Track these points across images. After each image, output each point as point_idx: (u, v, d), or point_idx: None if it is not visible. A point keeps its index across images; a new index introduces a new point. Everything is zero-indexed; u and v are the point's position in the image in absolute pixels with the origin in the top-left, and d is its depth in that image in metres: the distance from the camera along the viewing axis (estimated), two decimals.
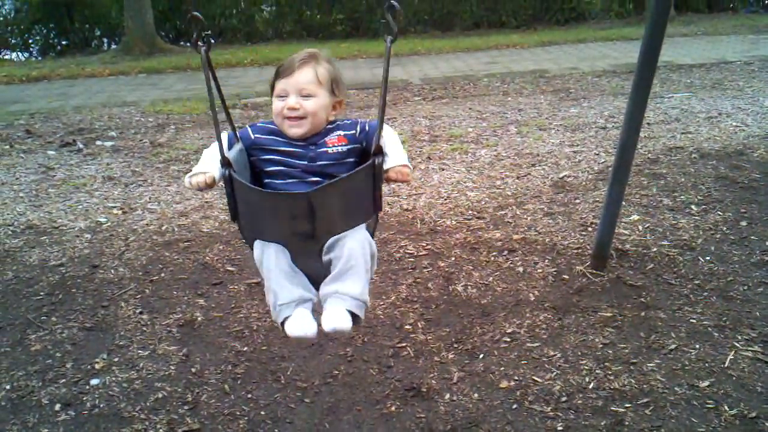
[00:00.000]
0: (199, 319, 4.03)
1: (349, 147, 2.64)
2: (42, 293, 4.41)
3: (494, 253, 4.61)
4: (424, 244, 4.80)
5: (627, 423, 2.99)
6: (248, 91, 10.94)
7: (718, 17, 18.44)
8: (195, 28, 2.43)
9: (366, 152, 2.56)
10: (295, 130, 2.62)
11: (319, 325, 2.41)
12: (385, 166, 2.50)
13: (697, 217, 4.99)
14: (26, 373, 3.59)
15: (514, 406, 3.15)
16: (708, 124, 7.55)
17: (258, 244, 2.56)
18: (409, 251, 4.72)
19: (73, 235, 5.33)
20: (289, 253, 2.52)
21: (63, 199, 6.19)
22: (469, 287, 4.21)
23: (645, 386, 3.22)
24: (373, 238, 2.61)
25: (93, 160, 7.51)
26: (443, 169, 6.49)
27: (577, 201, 5.45)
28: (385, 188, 5.90)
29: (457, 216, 5.29)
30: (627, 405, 3.10)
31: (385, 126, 2.53)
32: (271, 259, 2.49)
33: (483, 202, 5.55)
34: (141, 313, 4.12)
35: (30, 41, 18.57)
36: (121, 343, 3.83)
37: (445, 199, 5.67)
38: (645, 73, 3.66)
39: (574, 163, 6.45)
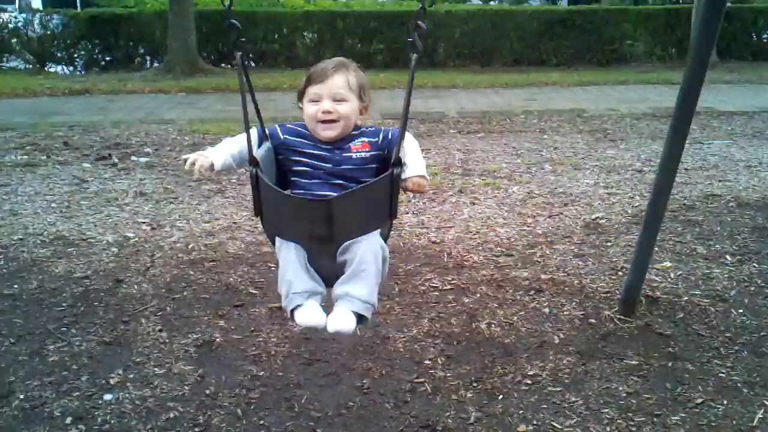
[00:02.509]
0: (218, 340, 3.99)
1: (372, 153, 2.78)
2: (64, 304, 4.41)
3: (521, 292, 4.53)
4: (450, 279, 4.73)
5: None
6: (285, 116, 10.96)
7: (762, 65, 18.21)
8: (232, 34, 2.58)
9: (387, 159, 2.66)
10: (329, 132, 2.76)
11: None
12: (404, 176, 2.62)
13: (731, 268, 4.87)
14: (41, 383, 3.57)
15: None
16: (747, 173, 7.42)
17: (279, 244, 2.68)
18: (434, 285, 4.65)
19: (100, 248, 5.35)
20: (306, 253, 2.63)
21: (94, 212, 6.23)
22: (493, 325, 4.13)
23: None
24: (386, 242, 2.73)
25: (127, 175, 7.57)
26: (474, 204, 6.43)
27: (609, 244, 5.35)
28: (414, 219, 5.92)
29: (485, 252, 5.22)
30: None
31: (406, 135, 2.64)
32: (291, 252, 2.62)
33: (512, 240, 5.48)
34: (160, 330, 4.10)
35: (75, 56, 18.86)
36: (138, 359, 3.80)
37: (474, 234, 5.61)
38: (682, 118, 3.59)
39: (607, 205, 6.35)
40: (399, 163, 2.55)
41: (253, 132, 2.72)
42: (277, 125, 2.85)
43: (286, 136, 2.82)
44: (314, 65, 2.89)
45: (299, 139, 2.81)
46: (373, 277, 2.59)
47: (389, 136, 2.79)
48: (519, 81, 15.51)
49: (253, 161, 2.60)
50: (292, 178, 2.77)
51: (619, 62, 19.34)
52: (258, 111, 2.74)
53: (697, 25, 3.47)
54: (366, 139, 2.81)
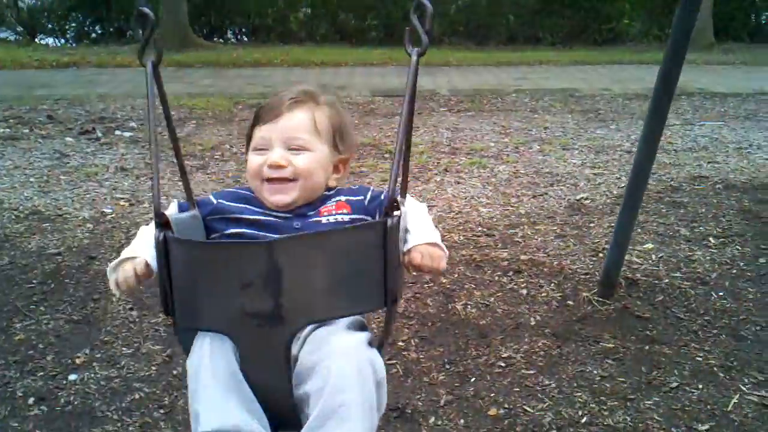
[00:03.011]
0: None
1: (352, 216, 1.95)
2: (35, 281, 4.33)
3: (499, 273, 4.46)
4: None
5: None
6: (272, 91, 10.88)
7: (759, 47, 18.12)
8: (138, 26, 1.80)
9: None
10: (279, 198, 1.94)
11: None
12: (407, 245, 1.77)
13: (714, 250, 4.80)
14: (6, 362, 3.50)
15: None
16: (737, 155, 7.35)
17: (195, 342, 1.75)
18: None
19: (75, 224, 5.27)
20: (238, 353, 1.68)
21: (72, 187, 6.15)
22: (469, 306, 4.07)
23: (640, 425, 3.05)
24: (381, 354, 1.78)
25: (109, 149, 7.48)
26: (459, 183, 6.35)
27: (592, 225, 5.29)
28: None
29: (466, 231, 5.15)
30: None
31: (409, 199, 1.88)
32: (204, 356, 1.66)
33: (494, 220, 5.41)
34: (131, 309, 4.03)
35: (66, 27, 18.73)
36: (105, 338, 3.73)
37: (456, 214, 5.54)
38: (662, 98, 3.50)
39: (593, 185, 6.28)
40: (396, 207, 1.68)
41: (173, 204, 2.01)
42: (211, 193, 2.10)
43: (221, 201, 2.01)
44: (271, 96, 2.12)
45: (240, 205, 1.99)
46: (360, 419, 1.58)
47: (381, 197, 1.94)
48: (513, 59, 15.42)
49: (159, 218, 1.73)
50: None
51: (615, 42, 19.26)
52: (184, 173, 2.00)
53: None
54: (344, 198, 2.00)
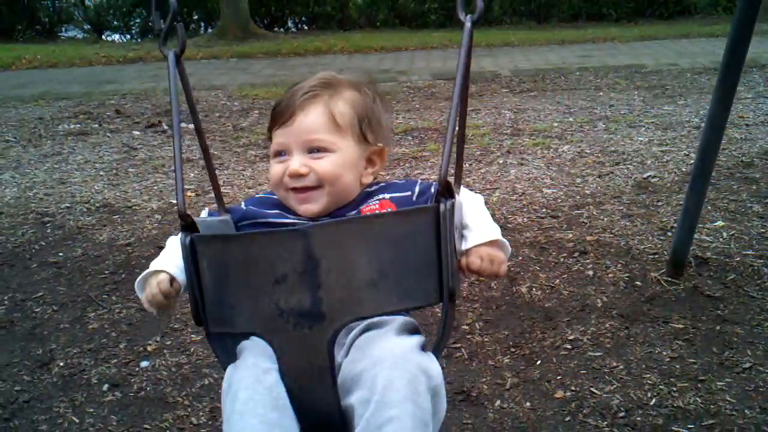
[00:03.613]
0: None
1: None
2: (106, 272, 4.46)
3: (564, 255, 4.41)
4: None
5: None
6: None
7: None
8: (158, 15, 1.73)
9: None
10: (308, 207, 1.80)
11: None
12: (466, 244, 1.64)
13: None
14: (81, 350, 3.61)
15: (567, 419, 2.96)
16: None
17: (230, 368, 1.63)
18: None
19: (144, 215, 5.39)
20: (277, 366, 1.54)
21: (140, 179, 6.30)
22: (534, 289, 4.02)
23: (712, 406, 2.98)
24: (438, 357, 1.62)
25: None
26: (522, 164, 6.28)
27: (660, 204, 5.17)
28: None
29: (530, 213, 5.10)
30: (690, 426, 2.87)
31: (464, 191, 1.74)
32: (243, 388, 1.52)
33: (559, 201, 5.33)
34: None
35: (131, 24, 19.13)
36: (175, 326, 3.82)
37: (520, 196, 5.48)
38: (730, 71, 3.39)
39: (661, 163, 6.14)
40: (450, 191, 1.51)
41: (204, 212, 1.95)
42: (243, 200, 2.04)
43: (251, 207, 1.91)
44: (285, 91, 1.94)
45: (273, 210, 1.87)
46: (413, 424, 1.44)
47: (432, 190, 1.79)
48: (576, 37, 15.13)
49: (185, 223, 1.63)
50: None
51: (682, 15, 18.70)
52: (213, 176, 1.90)
53: None
54: (388, 196, 1.82)
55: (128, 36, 18.79)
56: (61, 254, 4.74)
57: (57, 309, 4.03)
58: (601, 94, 9.43)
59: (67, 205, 5.67)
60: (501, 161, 6.41)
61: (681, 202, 4.94)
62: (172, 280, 1.71)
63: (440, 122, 7.97)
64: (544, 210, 5.16)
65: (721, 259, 4.23)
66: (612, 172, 5.95)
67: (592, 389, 3.14)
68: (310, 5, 18.49)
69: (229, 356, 1.69)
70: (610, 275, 4.13)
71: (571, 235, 4.68)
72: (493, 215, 4.79)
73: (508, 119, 8.07)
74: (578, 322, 3.68)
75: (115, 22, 18.83)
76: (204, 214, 1.92)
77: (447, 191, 1.50)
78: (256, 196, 2.00)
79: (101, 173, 6.50)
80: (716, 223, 4.72)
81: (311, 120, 1.79)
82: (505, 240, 1.74)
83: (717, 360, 3.30)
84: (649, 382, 3.17)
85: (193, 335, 3.72)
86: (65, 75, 12.58)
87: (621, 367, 3.29)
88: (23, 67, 13.64)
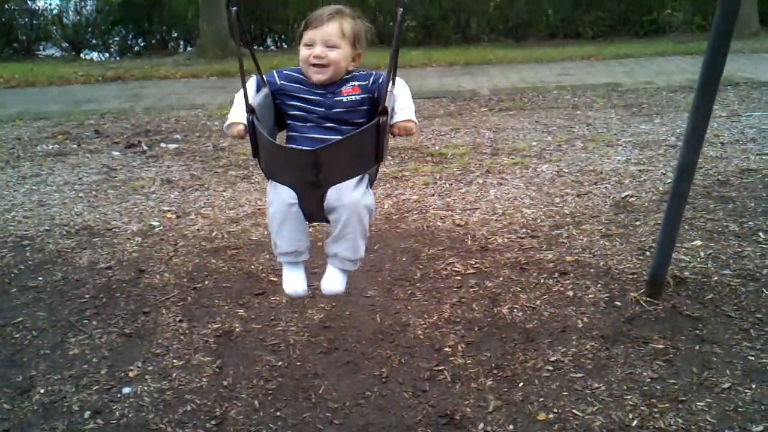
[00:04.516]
0: (237, 330, 3.98)
1: (362, 96, 2.88)
2: (87, 296, 4.43)
3: (545, 275, 4.44)
4: (473, 262, 4.65)
5: None
6: None
7: None
8: None
9: (377, 102, 2.76)
10: (319, 76, 2.85)
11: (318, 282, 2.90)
12: (392, 121, 2.71)
13: (764, 246, 4.71)
14: (62, 377, 3.59)
15: None
16: None
17: (271, 184, 2.79)
18: (456, 269, 4.58)
19: (124, 237, 5.37)
20: (296, 196, 2.73)
21: (120, 201, 6.26)
22: (515, 310, 4.05)
23: (693, 427, 3.02)
24: (371, 186, 2.88)
25: (155, 162, 7.59)
26: (501, 184, 6.32)
27: (638, 223, 5.22)
28: (439, 202, 5.85)
29: (510, 234, 5.13)
30: None
31: (397, 80, 2.77)
32: (278, 204, 2.75)
33: (539, 221, 5.37)
34: (181, 321, 4.10)
35: (110, 42, 19.06)
36: (157, 351, 3.80)
37: (500, 216, 5.51)
38: (707, 89, 3.44)
39: (638, 182, 6.20)
40: (385, 112, 2.58)
41: (251, 81, 2.86)
42: (274, 71, 2.94)
43: (283, 82, 2.90)
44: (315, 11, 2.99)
45: (295, 84, 2.90)
46: (359, 237, 2.78)
47: (379, 80, 2.89)
48: (554, 55, 15.23)
49: (249, 109, 2.64)
50: (289, 122, 2.90)
51: (658, 33, 18.89)
52: (255, 60, 2.79)
53: None
54: (356, 83, 2.91)
55: (107, 54, 18.70)
56: (40, 278, 4.70)
57: (37, 334, 4.00)
58: (578, 112, 9.51)
59: (47, 227, 5.63)
60: (480, 181, 6.45)
61: (658, 222, 5.02)
62: (246, 129, 2.70)
63: (420, 141, 8.00)
64: (524, 230, 5.19)
65: (698, 278, 4.28)
66: (590, 192, 6.00)
67: (574, 411, 3.17)
68: (289, 23, 18.50)
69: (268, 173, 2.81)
70: (590, 296, 4.17)
71: (551, 256, 4.71)
72: (473, 236, 4.84)
73: (487, 138, 8.11)
74: (559, 343, 3.71)
75: (94, 41, 18.74)
76: (252, 82, 2.84)
77: (384, 112, 2.56)
78: (284, 71, 2.92)
79: (80, 195, 6.46)
80: (694, 243, 4.78)
81: (331, 29, 2.83)
82: (414, 117, 2.78)
83: (697, 380, 3.34)
84: (630, 403, 3.20)
85: (174, 360, 3.71)
86: (44, 94, 12.48)
87: (602, 388, 3.32)
88: (0, 87, 13.54)
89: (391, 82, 2.70)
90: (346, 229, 2.75)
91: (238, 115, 2.75)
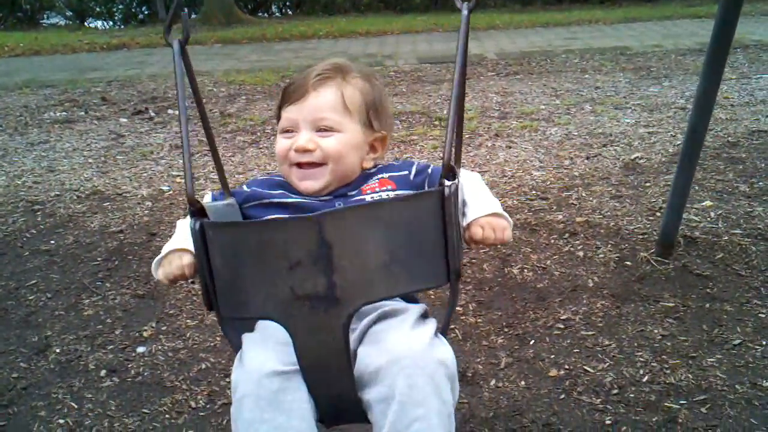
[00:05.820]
0: None
1: (398, 192, 1.85)
2: (99, 259, 4.46)
3: (555, 236, 4.45)
4: None
5: (680, 420, 2.81)
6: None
7: None
8: (162, 3, 1.69)
9: None
10: (309, 183, 1.86)
11: None
12: (466, 219, 1.69)
13: None
14: (77, 337, 3.63)
15: (562, 396, 3.01)
16: None
17: (239, 358, 1.66)
18: None
19: (135, 202, 5.39)
20: (295, 350, 1.53)
21: (129, 166, 6.28)
22: (526, 270, 4.07)
23: (703, 382, 3.03)
24: (445, 335, 1.68)
25: (162, 128, 7.61)
26: (510, 147, 6.31)
27: (648, 184, 5.22)
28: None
29: (519, 196, 5.13)
30: (682, 401, 2.92)
31: (463, 171, 1.75)
32: (252, 379, 1.54)
33: (548, 183, 5.37)
34: (192, 282, 4.12)
35: (114, 10, 18.98)
36: (170, 312, 3.83)
37: (509, 178, 5.51)
38: (718, 52, 3.42)
39: (648, 144, 6.18)
40: (451, 171, 1.51)
41: (207, 196, 1.98)
42: (243, 184, 2.07)
43: (255, 188, 1.97)
44: (298, 72, 2.04)
45: (276, 191, 1.93)
46: (434, 415, 1.48)
47: (429, 171, 1.89)
48: (561, 20, 15.14)
49: (194, 208, 1.63)
50: None
51: None
52: (218, 162, 1.90)
53: None
54: (387, 175, 1.90)
55: (111, 22, 18.66)
56: (52, 242, 4.74)
57: (51, 296, 4.04)
58: (587, 76, 9.46)
59: (57, 193, 5.66)
60: (489, 144, 6.44)
61: (668, 183, 5.02)
62: (192, 258, 1.73)
63: (427, 106, 7.98)
64: (533, 192, 5.20)
65: (709, 238, 4.28)
66: (600, 154, 5.99)
67: (585, 367, 3.19)
68: None
69: (241, 341, 1.74)
70: (600, 256, 4.18)
71: (561, 217, 4.72)
72: None
73: (495, 102, 8.09)
74: (570, 302, 3.72)
75: (98, 9, 18.70)
76: (207, 197, 1.93)
77: (450, 174, 1.51)
78: (259, 177, 2.07)
79: (90, 161, 6.48)
80: (704, 203, 4.77)
81: (323, 100, 1.85)
82: (504, 212, 1.78)
83: (707, 337, 3.35)
84: (641, 359, 3.22)
85: (188, 320, 3.73)
86: (49, 62, 12.48)
87: (613, 345, 3.34)
88: (6, 55, 13.51)
89: (453, 158, 1.52)
90: (407, 412, 1.46)
91: (180, 241, 1.77)
